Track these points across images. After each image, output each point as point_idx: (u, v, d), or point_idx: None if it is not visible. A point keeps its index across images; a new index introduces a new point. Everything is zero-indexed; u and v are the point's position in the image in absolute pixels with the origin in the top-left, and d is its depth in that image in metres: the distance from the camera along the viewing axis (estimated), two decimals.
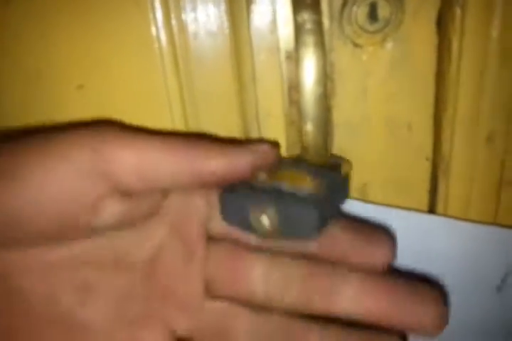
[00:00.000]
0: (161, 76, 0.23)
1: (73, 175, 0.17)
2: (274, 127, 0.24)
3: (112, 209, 0.18)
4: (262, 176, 0.21)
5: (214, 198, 0.21)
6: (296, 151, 0.24)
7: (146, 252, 0.21)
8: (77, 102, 0.23)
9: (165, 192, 0.21)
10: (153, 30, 0.22)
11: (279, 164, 0.21)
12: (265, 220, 0.19)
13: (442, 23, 0.22)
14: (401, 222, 0.25)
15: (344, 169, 0.23)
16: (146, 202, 0.19)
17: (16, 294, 0.18)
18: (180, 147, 0.19)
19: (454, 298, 0.27)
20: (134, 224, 0.20)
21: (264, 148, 0.20)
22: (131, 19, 0.22)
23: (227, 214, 0.20)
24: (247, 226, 0.20)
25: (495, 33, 0.22)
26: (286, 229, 0.19)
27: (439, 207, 0.26)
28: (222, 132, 0.24)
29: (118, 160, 0.18)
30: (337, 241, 0.20)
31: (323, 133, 0.21)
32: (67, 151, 0.17)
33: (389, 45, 0.23)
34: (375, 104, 0.24)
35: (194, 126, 0.24)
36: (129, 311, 0.20)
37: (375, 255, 0.20)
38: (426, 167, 0.25)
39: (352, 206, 0.25)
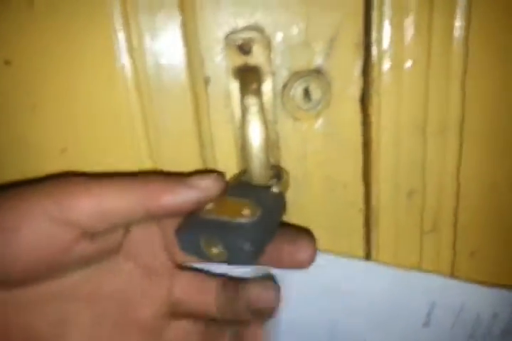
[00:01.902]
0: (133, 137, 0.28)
1: (43, 225, 0.20)
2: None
3: (81, 249, 0.21)
4: (209, 206, 0.23)
5: (170, 228, 0.24)
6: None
7: (116, 284, 0.24)
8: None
9: (126, 228, 0.24)
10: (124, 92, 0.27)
11: (225, 191, 0.24)
12: (214, 250, 0.23)
13: (364, 102, 0.28)
14: (339, 266, 0.29)
15: (282, 187, 0.26)
16: (110, 238, 0.22)
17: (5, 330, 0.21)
18: (132, 188, 0.21)
19: (388, 336, 0.30)
20: (102, 260, 0.23)
21: (209, 183, 0.22)
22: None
23: (184, 247, 0.23)
24: (202, 255, 0.23)
25: (405, 109, 0.27)
26: (229, 257, 0.22)
27: (373, 253, 0.30)
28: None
29: (78, 208, 0.20)
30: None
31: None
32: (35, 205, 0.20)
33: (322, 119, 0.28)
34: (315, 166, 0.29)
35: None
36: (101, 338, 0.23)
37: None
38: (359, 217, 0.30)
39: None
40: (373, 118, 0.28)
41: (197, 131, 0.28)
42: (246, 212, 0.23)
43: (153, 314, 0.25)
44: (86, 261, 0.22)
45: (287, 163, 0.29)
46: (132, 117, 0.27)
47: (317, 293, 0.30)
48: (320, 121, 0.28)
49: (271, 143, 0.28)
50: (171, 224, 0.24)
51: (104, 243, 0.22)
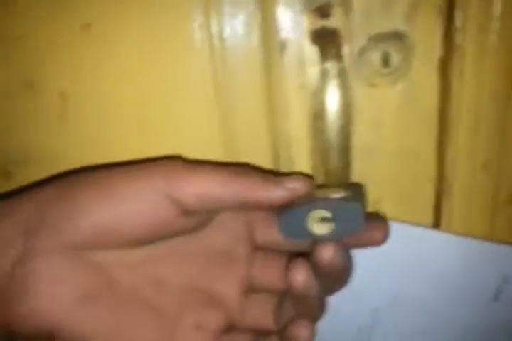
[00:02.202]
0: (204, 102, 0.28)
1: (154, 200, 0.23)
2: (300, 152, 0.29)
3: (179, 223, 0.24)
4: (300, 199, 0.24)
5: (256, 214, 0.27)
6: (319, 175, 0.29)
7: (203, 251, 0.26)
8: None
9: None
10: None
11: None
12: (322, 225, 0.24)
13: (444, 69, 0.27)
14: (408, 235, 0.29)
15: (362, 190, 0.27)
16: (202, 217, 0.25)
17: (111, 286, 0.23)
18: (231, 180, 0.23)
19: (454, 307, 0.30)
20: (192, 232, 0.25)
21: (299, 184, 0.24)
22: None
23: (286, 230, 0.25)
24: (306, 235, 0.24)
25: (488, 77, 0.26)
26: (339, 227, 0.24)
27: (443, 224, 0.30)
28: (255, 156, 0.29)
29: (184, 190, 0.23)
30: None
31: (345, 157, 0.25)
32: (149, 183, 0.23)
33: (399, 86, 0.27)
34: (388, 135, 0.28)
35: (231, 151, 0.29)
36: (192, 298, 0.25)
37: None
38: (430, 188, 0.29)
39: None
40: (454, 86, 0.27)
41: (269, 98, 0.28)
42: (339, 194, 0.24)
43: (234, 292, 0.26)
44: (180, 233, 0.25)
45: (360, 130, 0.28)
46: (205, 82, 0.27)
47: (384, 262, 0.29)
48: (397, 88, 0.27)
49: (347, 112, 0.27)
50: (258, 213, 0.27)
51: (197, 220, 0.25)
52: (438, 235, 0.29)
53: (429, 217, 0.30)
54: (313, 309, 0.25)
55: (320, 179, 0.29)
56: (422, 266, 0.29)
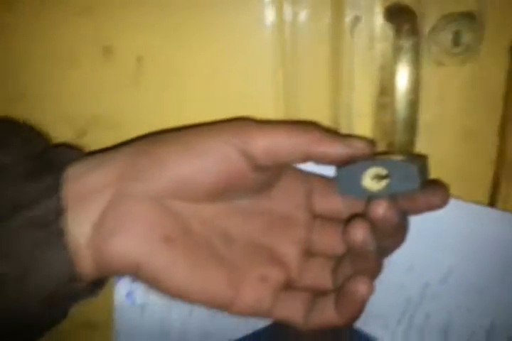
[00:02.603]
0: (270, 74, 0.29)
1: (229, 154, 0.24)
2: (362, 126, 0.30)
3: (251, 178, 0.25)
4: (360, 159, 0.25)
5: (316, 182, 0.29)
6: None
7: (265, 214, 0.28)
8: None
9: (279, 172, 0.27)
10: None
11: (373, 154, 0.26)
12: (377, 182, 0.24)
13: None
14: (464, 212, 0.29)
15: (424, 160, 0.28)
16: (271, 174, 0.27)
17: (188, 233, 0.26)
18: (297, 134, 0.25)
19: (504, 287, 0.31)
20: (257, 193, 0.27)
21: (361, 144, 0.25)
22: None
23: (343, 187, 0.25)
24: (361, 191, 0.25)
25: None
26: (393, 185, 0.24)
27: (499, 204, 0.30)
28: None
29: (256, 144, 0.25)
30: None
31: (411, 133, 0.26)
32: (223, 139, 0.25)
33: (467, 65, 0.28)
34: (452, 114, 0.29)
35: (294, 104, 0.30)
36: (256, 254, 0.27)
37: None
38: (489, 169, 0.30)
39: None
40: None
41: (336, 73, 0.29)
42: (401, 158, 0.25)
43: (294, 253, 0.28)
44: (247, 191, 0.27)
45: (424, 108, 0.29)
46: (274, 55, 0.28)
47: (439, 237, 0.30)
48: (465, 68, 0.28)
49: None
50: (317, 180, 0.29)
51: (265, 177, 0.26)
52: (494, 213, 0.29)
53: (485, 199, 0.30)
54: (370, 265, 0.26)
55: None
56: (476, 244, 0.30)
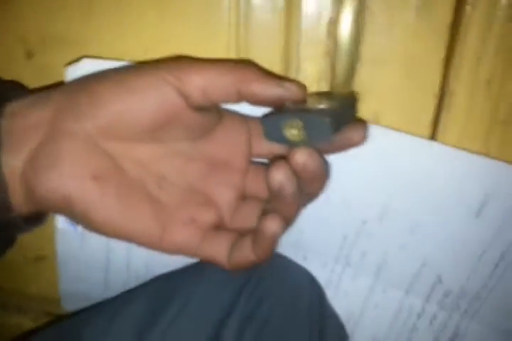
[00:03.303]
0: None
1: (165, 92, 0.24)
2: (311, 54, 0.30)
3: (187, 118, 0.26)
4: (290, 105, 0.26)
5: (255, 126, 0.29)
6: (327, 78, 0.30)
7: (204, 159, 0.29)
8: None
9: (220, 114, 0.28)
10: None
11: (305, 98, 0.27)
12: (295, 132, 0.25)
13: None
14: (401, 143, 0.29)
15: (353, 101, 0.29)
16: (207, 117, 0.27)
17: (120, 173, 0.26)
18: (231, 72, 0.25)
19: (438, 222, 0.31)
20: (197, 136, 0.28)
21: (293, 86, 0.26)
22: None
23: (267, 133, 0.26)
24: (284, 140, 0.26)
25: None
26: (309, 136, 0.25)
27: (439, 137, 0.30)
28: (267, 55, 0.30)
29: (191, 82, 0.25)
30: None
31: (351, 63, 0.26)
32: (159, 76, 0.25)
33: (412, 1, 0.27)
34: (398, 43, 0.29)
35: (244, 45, 0.30)
36: (189, 197, 0.28)
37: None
38: (432, 101, 0.30)
39: None
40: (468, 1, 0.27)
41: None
42: (321, 105, 0.26)
43: (228, 196, 0.29)
44: (185, 133, 0.27)
45: (370, 37, 0.29)
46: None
47: (376, 172, 0.30)
48: (412, 2, 0.27)
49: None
50: (257, 127, 0.29)
51: (203, 119, 0.27)
52: (431, 145, 0.29)
53: (426, 131, 0.31)
54: (287, 208, 0.26)
55: (325, 84, 0.30)
56: (411, 178, 0.30)
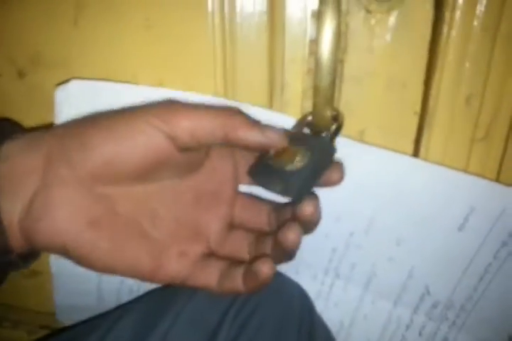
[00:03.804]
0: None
1: (153, 136, 0.25)
2: (294, 72, 0.31)
3: (175, 159, 0.26)
4: (272, 151, 0.28)
5: (241, 160, 0.31)
6: (310, 95, 0.31)
7: (193, 191, 0.30)
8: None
9: (207, 152, 0.29)
10: None
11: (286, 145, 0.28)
12: (273, 190, 0.28)
13: (439, 0, 0.28)
14: (386, 161, 0.30)
15: (339, 121, 0.30)
16: (195, 156, 0.28)
17: (114, 215, 0.27)
18: (219, 117, 0.26)
19: (422, 236, 0.32)
20: (185, 173, 0.29)
21: (276, 136, 0.27)
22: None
23: (255, 182, 0.29)
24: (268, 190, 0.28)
25: (479, 10, 0.27)
26: (284, 196, 0.28)
27: (421, 155, 0.31)
28: (253, 73, 0.31)
29: (178, 126, 0.26)
30: None
31: (333, 77, 0.27)
32: (146, 121, 0.25)
33: (394, 13, 0.28)
34: (378, 62, 0.29)
35: (230, 65, 0.31)
36: (180, 231, 0.29)
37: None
38: (414, 119, 0.31)
39: (347, 146, 0.30)
40: (446, 17, 0.28)
41: (272, 24, 0.29)
42: (297, 159, 0.28)
43: (217, 227, 0.30)
44: (175, 171, 0.28)
45: (352, 57, 0.29)
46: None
47: (363, 187, 0.31)
48: (392, 15, 0.28)
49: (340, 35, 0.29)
50: (244, 157, 0.31)
51: (191, 158, 0.28)
52: (414, 161, 0.30)
53: (409, 150, 0.31)
54: (289, 255, 0.28)
55: (311, 101, 0.31)
56: (397, 194, 0.31)
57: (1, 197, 0.25)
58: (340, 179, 0.28)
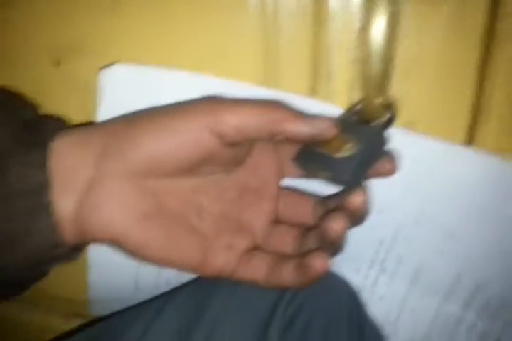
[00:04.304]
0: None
1: (201, 132, 0.26)
2: (341, 60, 0.29)
3: (221, 155, 0.27)
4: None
5: (286, 154, 0.30)
6: (358, 86, 0.29)
7: (237, 187, 0.30)
8: None
9: (251, 146, 0.29)
10: None
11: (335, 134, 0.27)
12: (322, 175, 0.27)
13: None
14: (440, 152, 0.29)
15: (393, 110, 0.28)
16: (240, 151, 0.28)
17: (163, 209, 0.28)
18: (263, 113, 0.26)
19: (475, 230, 0.31)
20: (230, 167, 0.29)
21: (324, 125, 0.26)
22: None
23: (301, 169, 0.29)
24: (316, 177, 0.28)
25: None
26: (335, 182, 0.27)
27: (474, 145, 0.30)
28: (296, 60, 0.30)
29: (225, 122, 0.26)
30: None
31: (386, 66, 0.26)
32: (196, 118, 0.26)
33: (447, 2, 0.27)
34: (430, 54, 0.28)
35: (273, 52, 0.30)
36: (226, 224, 0.30)
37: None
38: (467, 111, 0.29)
39: (397, 136, 0.29)
40: (502, 7, 0.26)
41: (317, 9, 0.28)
42: (346, 147, 0.27)
43: (260, 223, 0.31)
44: (219, 166, 0.29)
45: (404, 43, 0.28)
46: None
47: (412, 176, 0.30)
48: (445, 4, 0.27)
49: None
50: (287, 151, 0.30)
51: (236, 153, 0.28)
52: (470, 153, 0.29)
53: (461, 139, 0.30)
54: (336, 247, 0.27)
55: (358, 91, 0.30)
56: (450, 186, 0.29)
57: (55, 192, 0.26)
58: (393, 171, 0.28)
